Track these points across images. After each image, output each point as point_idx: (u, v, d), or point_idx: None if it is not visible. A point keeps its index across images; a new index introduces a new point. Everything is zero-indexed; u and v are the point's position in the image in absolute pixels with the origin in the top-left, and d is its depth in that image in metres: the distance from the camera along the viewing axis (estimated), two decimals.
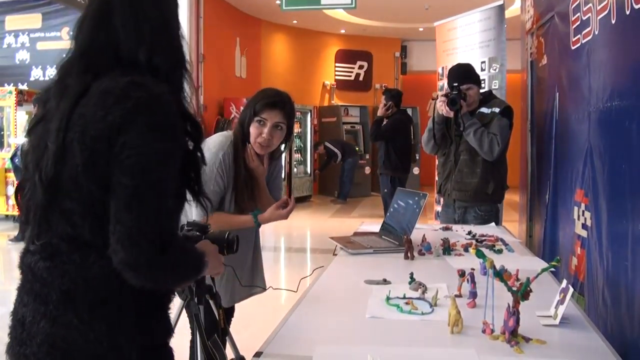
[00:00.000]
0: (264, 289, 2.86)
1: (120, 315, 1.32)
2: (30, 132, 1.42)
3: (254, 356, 1.56)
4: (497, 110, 3.83)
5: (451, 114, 3.76)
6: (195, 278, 1.45)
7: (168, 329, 1.47)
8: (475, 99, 3.85)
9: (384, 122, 7.11)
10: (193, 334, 2.06)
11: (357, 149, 13.70)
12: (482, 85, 5.26)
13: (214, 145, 2.60)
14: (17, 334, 1.34)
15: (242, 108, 2.74)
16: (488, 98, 3.98)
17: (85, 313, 1.29)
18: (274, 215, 2.67)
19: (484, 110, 3.86)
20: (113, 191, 1.26)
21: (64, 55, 1.42)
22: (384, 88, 9.74)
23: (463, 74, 3.88)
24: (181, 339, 2.65)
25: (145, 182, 1.25)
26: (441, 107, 3.80)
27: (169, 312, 1.48)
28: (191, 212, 2.45)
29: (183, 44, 1.47)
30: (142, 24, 1.37)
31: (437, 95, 4.13)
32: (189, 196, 1.48)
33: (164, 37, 1.40)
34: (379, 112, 7.16)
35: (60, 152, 1.30)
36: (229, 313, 2.77)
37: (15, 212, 8.62)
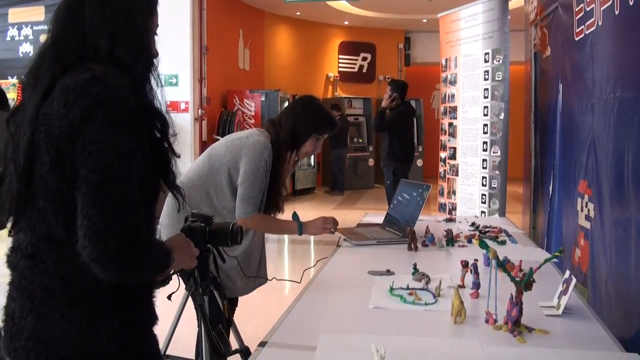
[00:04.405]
0: (266, 280, 2.88)
1: (99, 308, 1.36)
2: (9, 120, 1.45)
3: (259, 345, 1.58)
4: None
5: None
6: (161, 273, 1.45)
7: (151, 317, 1.50)
8: None
9: (388, 113, 7.10)
10: (199, 325, 2.08)
11: (359, 140, 13.71)
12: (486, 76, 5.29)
13: (258, 144, 2.66)
14: (8, 327, 1.40)
15: (290, 116, 2.77)
16: None
17: (66, 308, 1.34)
18: (318, 230, 2.88)
19: None
20: (79, 187, 1.28)
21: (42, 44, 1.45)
22: (389, 79, 9.71)
23: None
24: (188, 329, 2.67)
25: (109, 177, 1.28)
26: None
27: (154, 299, 1.51)
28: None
29: (153, 40, 1.49)
30: (107, 16, 1.40)
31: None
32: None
33: (127, 31, 1.41)
34: (384, 103, 7.14)
35: (30, 145, 1.34)
36: (232, 304, 2.79)
37: None
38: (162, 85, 1.50)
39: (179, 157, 1.53)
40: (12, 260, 1.41)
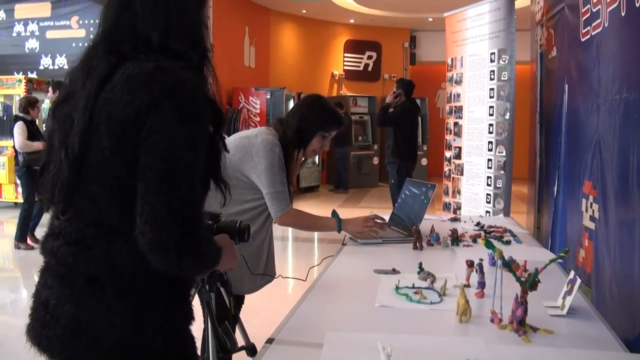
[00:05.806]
0: (273, 278, 2.89)
1: (146, 301, 1.32)
2: (54, 111, 1.42)
3: (267, 342, 1.59)
4: None
5: None
6: (211, 269, 1.44)
7: (190, 315, 1.46)
8: None
9: (391, 110, 7.12)
10: (205, 321, 2.09)
11: (364, 138, 13.72)
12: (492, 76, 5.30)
13: (267, 142, 2.66)
14: (40, 316, 1.33)
15: (296, 114, 2.77)
16: None
17: (112, 299, 1.29)
18: (358, 228, 2.88)
19: None
20: (141, 174, 1.25)
21: (91, 39, 1.43)
22: (394, 78, 9.68)
23: None
24: (194, 326, 2.68)
25: (176, 166, 1.25)
26: None
27: (191, 298, 1.49)
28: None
29: (206, 33, 1.47)
30: (160, 8, 1.37)
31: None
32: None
33: (181, 23, 1.39)
34: (388, 99, 7.16)
35: (86, 131, 1.30)
36: (238, 301, 2.81)
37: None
38: (216, 78, 1.50)
39: (228, 152, 1.51)
40: (51, 247, 1.36)
